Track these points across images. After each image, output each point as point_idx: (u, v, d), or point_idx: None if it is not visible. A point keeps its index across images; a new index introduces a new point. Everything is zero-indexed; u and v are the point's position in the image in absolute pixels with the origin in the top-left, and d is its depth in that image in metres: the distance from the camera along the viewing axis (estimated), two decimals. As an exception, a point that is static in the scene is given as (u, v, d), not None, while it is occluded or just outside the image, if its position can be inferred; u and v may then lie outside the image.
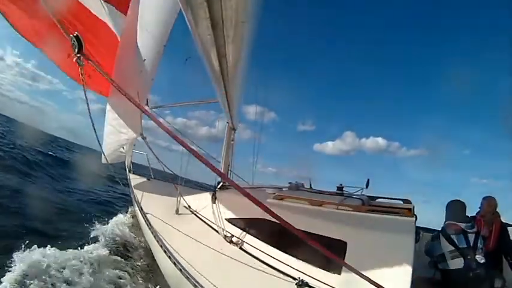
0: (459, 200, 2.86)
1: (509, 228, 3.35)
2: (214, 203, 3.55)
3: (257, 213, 3.12)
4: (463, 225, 2.60)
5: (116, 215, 6.23)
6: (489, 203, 3.37)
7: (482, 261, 2.47)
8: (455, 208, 2.78)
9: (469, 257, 2.46)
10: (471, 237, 2.57)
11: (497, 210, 3.38)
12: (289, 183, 3.82)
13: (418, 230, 3.49)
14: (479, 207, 3.43)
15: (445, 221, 2.78)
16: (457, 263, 2.47)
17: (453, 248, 2.51)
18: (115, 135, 5.00)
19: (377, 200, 3.44)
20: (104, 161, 5.77)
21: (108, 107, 5.17)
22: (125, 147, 5.49)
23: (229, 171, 5.04)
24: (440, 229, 2.75)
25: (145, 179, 6.47)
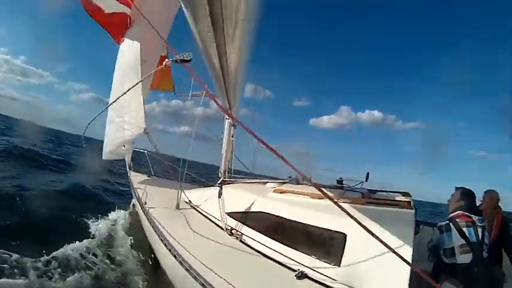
0: (471, 190, 2.68)
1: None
2: (219, 197, 3.60)
3: (258, 206, 3.17)
4: (475, 217, 2.47)
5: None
6: (491, 196, 3.38)
7: (485, 256, 2.42)
8: (468, 198, 2.62)
9: (477, 252, 2.36)
10: (479, 231, 2.43)
11: (499, 204, 3.41)
12: (289, 177, 3.86)
13: (418, 223, 3.54)
14: (481, 201, 3.44)
15: (453, 209, 2.63)
16: (465, 258, 2.35)
17: (464, 242, 2.37)
18: (119, 131, 5.05)
19: (377, 193, 3.49)
20: (104, 157, 5.82)
21: (111, 104, 5.20)
22: (125, 145, 5.52)
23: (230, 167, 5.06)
24: (447, 219, 2.57)
25: (145, 176, 6.52)
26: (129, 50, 5.05)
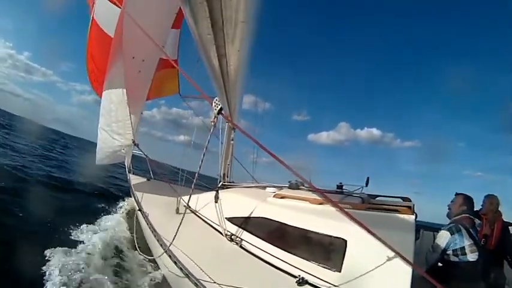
0: (471, 196, 2.88)
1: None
2: (216, 202, 3.55)
3: (257, 212, 3.13)
4: (477, 221, 2.74)
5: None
6: (491, 201, 3.39)
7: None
8: (470, 204, 2.83)
9: (480, 252, 2.56)
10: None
11: (499, 209, 3.40)
12: (289, 182, 3.82)
13: (418, 228, 3.50)
14: (482, 205, 3.45)
15: (457, 213, 2.78)
16: (474, 256, 2.52)
17: (472, 242, 2.55)
18: (108, 140, 5.04)
19: (377, 199, 3.45)
20: (98, 162, 5.79)
21: (102, 112, 5.19)
22: (125, 148, 5.51)
23: (229, 171, 5.03)
24: (452, 221, 2.74)
25: (145, 180, 6.48)
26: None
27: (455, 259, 2.56)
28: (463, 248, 2.54)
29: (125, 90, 4.49)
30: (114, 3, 4.80)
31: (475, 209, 3.38)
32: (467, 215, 2.72)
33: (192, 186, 3.39)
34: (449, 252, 2.59)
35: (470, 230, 2.60)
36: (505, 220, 3.36)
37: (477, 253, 2.53)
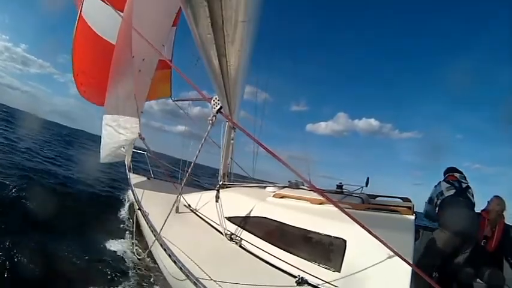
0: (454, 167, 3.51)
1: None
2: (217, 201, 3.56)
3: (257, 211, 3.13)
4: (457, 175, 3.34)
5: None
6: (499, 201, 3.39)
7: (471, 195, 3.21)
8: (450, 167, 3.50)
9: (458, 191, 3.15)
10: (463, 185, 3.25)
11: (503, 213, 3.41)
12: (289, 181, 3.83)
13: (418, 228, 3.51)
14: (488, 202, 3.45)
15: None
16: (449, 192, 3.16)
17: (449, 185, 3.21)
18: (114, 136, 5.04)
19: (376, 199, 3.46)
20: (102, 160, 5.81)
21: (107, 109, 5.19)
22: (125, 147, 5.51)
23: (229, 171, 5.04)
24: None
25: (145, 178, 6.49)
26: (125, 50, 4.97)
27: (438, 202, 3.21)
28: (441, 192, 3.22)
29: (131, 86, 4.52)
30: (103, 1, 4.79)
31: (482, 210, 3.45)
32: (449, 174, 3.39)
33: (184, 181, 3.40)
34: (436, 200, 3.26)
35: (450, 180, 3.27)
36: (506, 223, 3.37)
37: (454, 190, 3.16)
